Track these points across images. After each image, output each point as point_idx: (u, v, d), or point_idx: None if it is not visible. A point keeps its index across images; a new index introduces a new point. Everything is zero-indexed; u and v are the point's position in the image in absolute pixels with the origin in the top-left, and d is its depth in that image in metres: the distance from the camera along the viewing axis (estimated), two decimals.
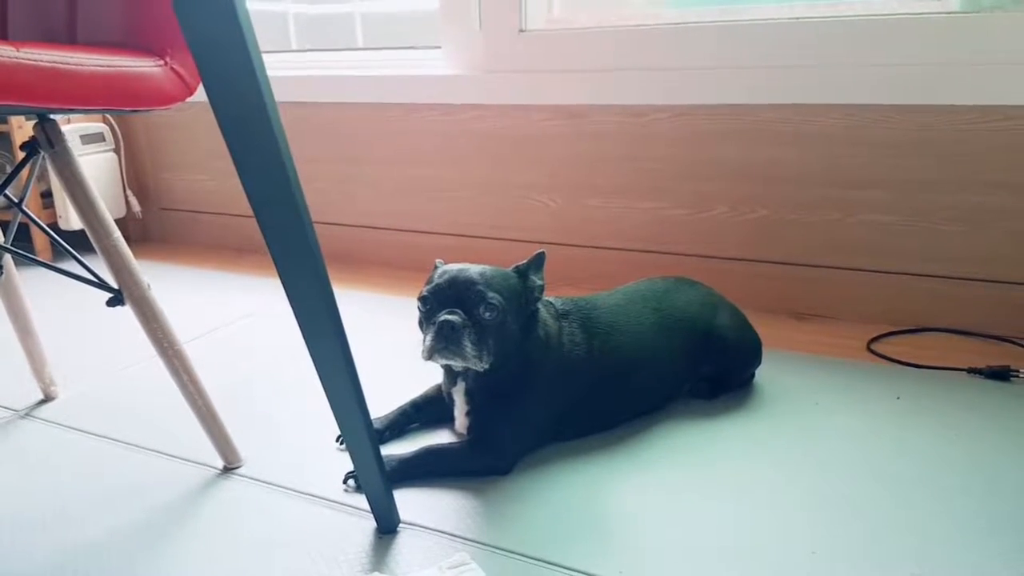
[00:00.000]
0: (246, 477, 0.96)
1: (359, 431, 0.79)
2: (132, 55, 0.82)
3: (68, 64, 0.75)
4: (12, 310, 1.12)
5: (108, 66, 0.78)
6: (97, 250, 0.89)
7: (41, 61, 0.72)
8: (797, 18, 1.35)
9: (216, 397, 0.97)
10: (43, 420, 1.12)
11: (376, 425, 1.02)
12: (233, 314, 1.52)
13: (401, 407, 1.05)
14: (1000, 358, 1.20)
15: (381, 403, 1.04)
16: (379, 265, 1.82)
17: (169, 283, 1.73)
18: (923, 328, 1.34)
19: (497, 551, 0.80)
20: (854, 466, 0.94)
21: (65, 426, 1.10)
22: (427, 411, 1.06)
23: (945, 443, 0.98)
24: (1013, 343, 1.27)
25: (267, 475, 0.96)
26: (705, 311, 1.10)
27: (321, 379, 0.75)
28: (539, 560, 0.78)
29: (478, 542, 0.82)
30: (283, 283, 0.71)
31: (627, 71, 1.46)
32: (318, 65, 1.85)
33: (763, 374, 1.17)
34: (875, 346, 1.29)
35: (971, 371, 1.17)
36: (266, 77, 0.63)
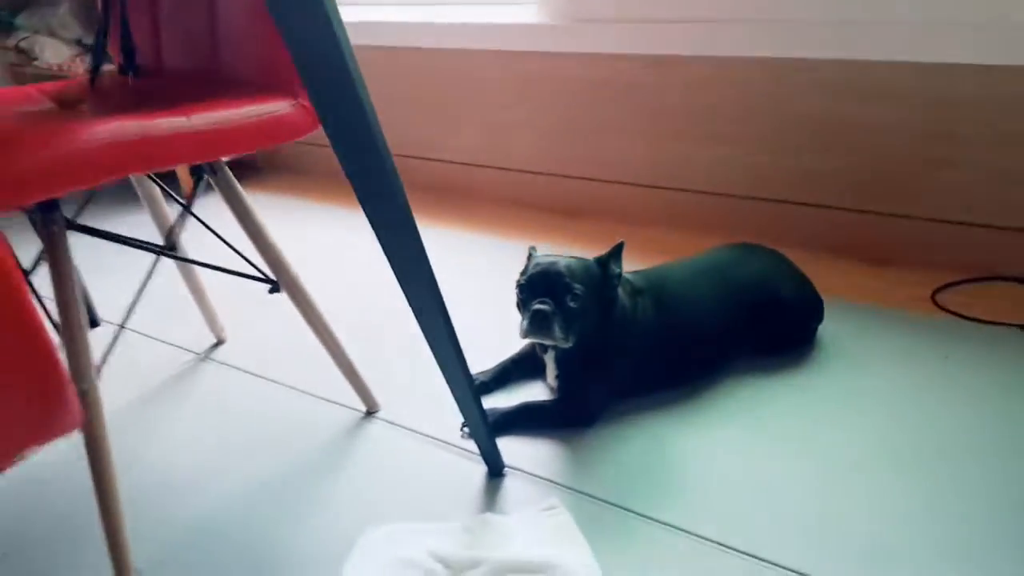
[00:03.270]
0: (384, 420, 1.20)
1: (464, 391, 0.99)
2: (270, 99, 0.99)
3: (228, 122, 0.93)
4: (186, 276, 1.38)
5: (255, 115, 0.96)
6: (255, 247, 1.10)
7: (208, 125, 0.91)
8: None
9: (355, 346, 1.19)
10: (218, 362, 1.39)
11: (483, 378, 1.24)
12: (361, 255, 1.75)
13: (502, 363, 1.26)
14: None
15: (484, 340, 1.26)
16: (472, 197, 1.99)
17: (299, 217, 1.97)
18: (990, 277, 1.42)
19: (582, 495, 1.02)
20: (899, 428, 1.09)
21: (236, 367, 1.37)
22: (524, 365, 1.26)
23: (986, 408, 1.11)
24: None
25: (400, 419, 1.19)
26: (766, 280, 1.24)
27: (431, 348, 0.94)
28: (616, 505, 0.99)
29: (567, 486, 1.03)
30: (393, 270, 0.87)
31: (719, 22, 1.52)
32: (422, 12, 1.96)
33: (825, 328, 1.30)
34: (940, 296, 1.39)
35: (1022, 328, 1.26)
36: (356, 64, 0.75)
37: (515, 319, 1.14)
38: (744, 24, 1.49)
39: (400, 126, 2.05)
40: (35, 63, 2.42)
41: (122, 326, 0.98)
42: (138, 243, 1.03)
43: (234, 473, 1.11)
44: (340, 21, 0.74)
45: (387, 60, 1.97)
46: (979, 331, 1.28)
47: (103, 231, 0.97)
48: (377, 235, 0.86)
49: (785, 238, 1.59)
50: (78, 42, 2.38)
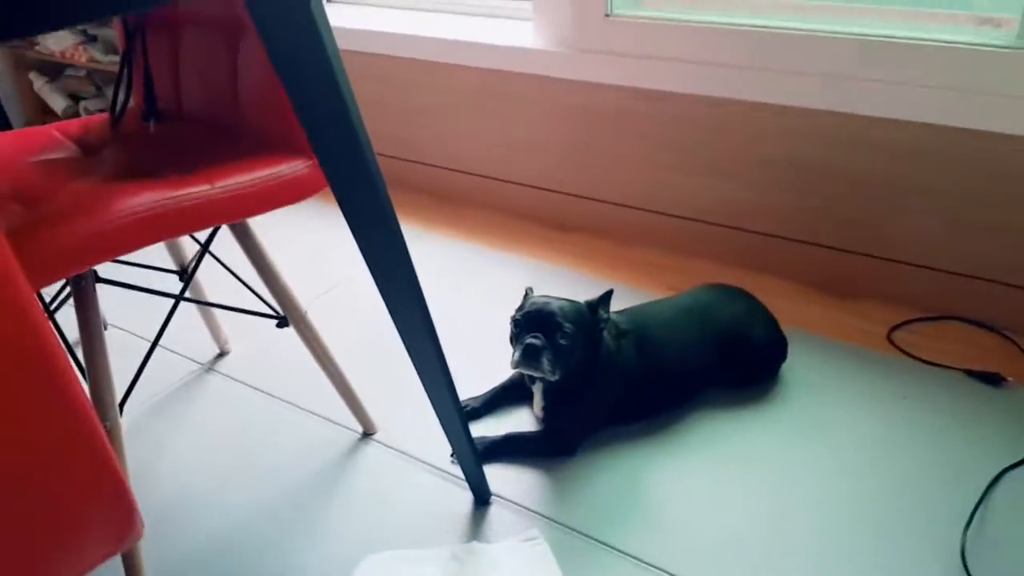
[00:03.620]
0: (380, 443, 1.30)
1: (454, 421, 1.08)
2: (286, 159, 1.06)
3: (249, 186, 1.00)
4: (193, 290, 1.46)
5: (274, 177, 1.03)
6: (266, 287, 1.18)
7: (230, 191, 0.98)
8: (866, 36, 1.45)
9: (353, 364, 1.27)
10: (222, 374, 1.48)
11: (473, 404, 1.34)
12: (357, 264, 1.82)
13: (492, 390, 1.36)
14: (1001, 359, 1.40)
15: (474, 358, 1.36)
16: (463, 204, 2.07)
17: (302, 220, 2.04)
18: (944, 316, 1.53)
19: (560, 526, 1.12)
20: (850, 466, 1.20)
21: (240, 382, 1.45)
22: (513, 392, 1.36)
23: (929, 449, 1.23)
24: (1016, 344, 1.45)
25: (396, 442, 1.29)
26: (739, 324, 1.34)
27: (419, 375, 1.03)
28: (590, 537, 1.10)
29: (547, 516, 1.14)
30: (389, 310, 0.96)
31: (704, 65, 1.60)
32: (424, 25, 2.01)
33: (789, 363, 1.41)
34: (896, 333, 1.50)
35: (968, 372, 1.38)
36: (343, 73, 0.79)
37: (501, 333, 1.25)
38: (734, 69, 1.57)
39: (395, 129, 2.11)
40: (37, 48, 2.44)
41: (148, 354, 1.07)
42: (161, 293, 1.11)
43: (238, 492, 1.21)
44: (352, 98, 0.81)
45: (385, 66, 2.02)
46: (929, 372, 1.40)
47: (130, 284, 1.04)
48: (373, 274, 0.93)
49: (758, 266, 1.71)
50: (83, 31, 2.40)
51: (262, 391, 1.43)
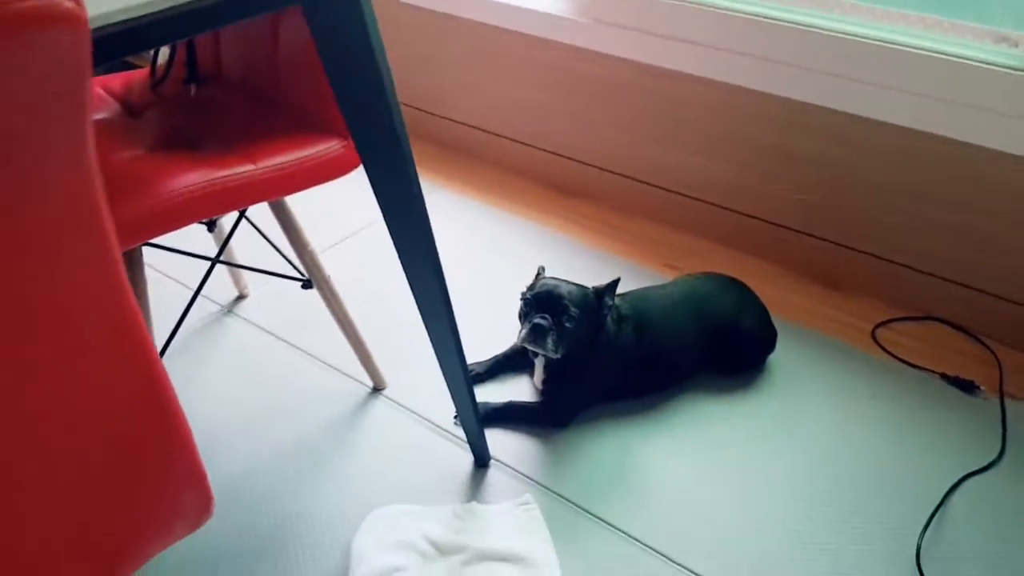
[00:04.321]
0: (389, 399, 1.39)
1: (461, 387, 1.17)
2: (323, 138, 1.11)
3: (289, 165, 1.06)
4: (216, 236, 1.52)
5: (312, 156, 1.09)
6: (295, 253, 1.25)
7: (272, 169, 1.04)
8: (878, 40, 1.49)
9: (367, 320, 1.35)
10: (241, 318, 1.56)
11: (478, 369, 1.43)
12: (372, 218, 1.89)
13: (496, 356, 1.45)
14: (977, 366, 1.49)
15: (474, 319, 1.44)
16: (478, 159, 2.12)
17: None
18: (928, 317, 1.62)
19: (552, 493, 1.23)
20: (820, 458, 1.30)
21: (257, 326, 1.53)
22: (516, 360, 1.45)
23: (897, 449, 1.33)
24: (993, 353, 1.54)
25: (403, 399, 1.38)
26: (737, 315, 1.42)
27: (432, 344, 1.12)
28: (578, 506, 1.21)
29: (540, 483, 1.24)
30: (414, 293, 1.05)
31: (714, 49, 1.63)
32: None
33: (777, 352, 1.49)
34: (880, 331, 1.59)
35: (943, 377, 1.47)
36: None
37: (506, 295, 1.37)
38: (742, 57, 1.60)
39: (418, 80, 2.14)
40: None
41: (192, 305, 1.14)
42: (200, 256, 1.17)
43: (255, 436, 1.31)
44: (394, 92, 0.86)
45: (413, 17, 2.03)
46: (907, 373, 1.49)
47: (172, 248, 1.11)
48: (398, 252, 1.00)
49: (753, 249, 1.78)
50: None
51: (277, 336, 1.51)
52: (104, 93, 1.19)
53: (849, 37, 1.51)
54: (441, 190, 1.98)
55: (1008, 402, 1.41)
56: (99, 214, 0.44)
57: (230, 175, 0.99)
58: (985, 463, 1.30)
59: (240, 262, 1.53)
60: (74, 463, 0.50)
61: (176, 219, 0.94)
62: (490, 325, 1.50)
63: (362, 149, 0.96)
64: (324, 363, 1.45)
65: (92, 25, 0.41)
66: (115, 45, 0.58)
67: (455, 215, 1.89)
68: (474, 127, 2.12)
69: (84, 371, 0.49)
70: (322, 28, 0.82)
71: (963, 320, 1.59)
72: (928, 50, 1.45)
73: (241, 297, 1.61)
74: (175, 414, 0.57)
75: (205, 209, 0.97)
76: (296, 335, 1.51)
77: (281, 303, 1.59)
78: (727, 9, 1.62)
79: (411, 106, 2.19)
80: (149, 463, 0.56)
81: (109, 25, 0.55)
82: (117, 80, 1.23)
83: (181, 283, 1.62)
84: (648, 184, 1.88)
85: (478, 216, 1.89)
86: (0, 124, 0.38)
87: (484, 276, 1.68)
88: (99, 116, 1.13)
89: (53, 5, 0.36)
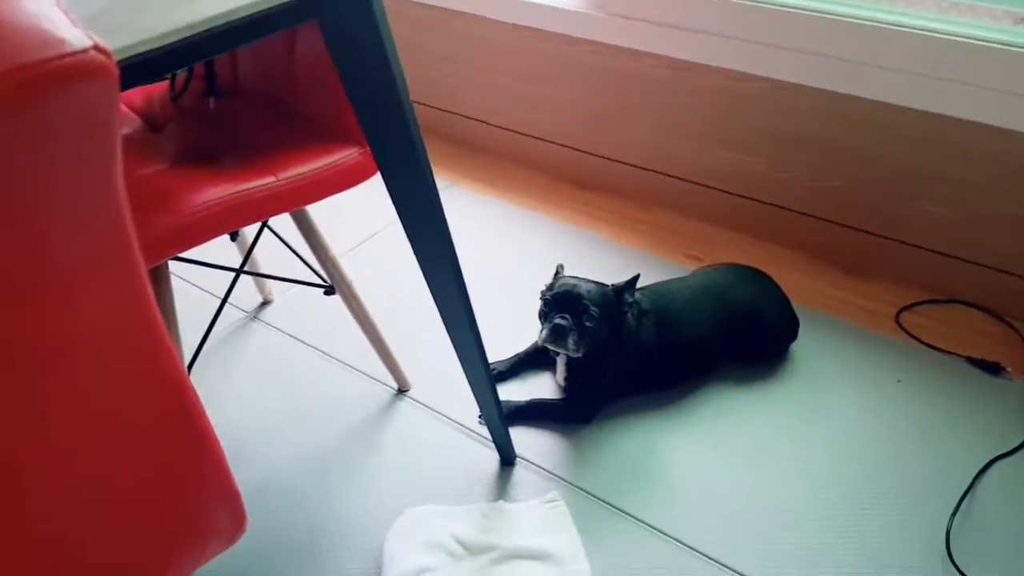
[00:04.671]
0: (413, 400, 1.41)
1: (484, 387, 1.18)
2: (340, 146, 1.12)
3: (309, 175, 1.08)
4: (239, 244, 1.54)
5: (331, 165, 1.10)
6: (317, 260, 1.27)
7: (292, 180, 1.06)
8: (901, 27, 1.48)
9: (389, 322, 1.37)
10: (267, 323, 1.58)
11: (500, 367, 1.44)
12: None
13: (517, 354, 1.46)
14: (1002, 347, 1.48)
15: (495, 316, 1.46)
16: (490, 155, 2.13)
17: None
18: (952, 300, 1.61)
19: (578, 490, 1.24)
20: (847, 446, 1.30)
21: (283, 331, 1.56)
22: (537, 357, 1.46)
23: (923, 434, 1.33)
24: (1018, 332, 1.53)
25: (428, 400, 1.40)
26: (758, 306, 1.42)
27: (453, 345, 1.13)
28: (605, 502, 1.22)
29: (566, 480, 1.26)
30: (426, 279, 1.06)
31: (729, 39, 1.62)
32: None
33: (800, 340, 1.49)
34: (904, 315, 1.58)
35: (969, 360, 1.46)
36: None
37: (525, 292, 1.39)
38: (759, 46, 1.59)
39: (433, 78, 2.15)
40: None
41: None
42: (225, 268, 1.19)
43: (284, 440, 1.33)
44: (410, 106, 0.87)
45: (427, 15, 2.04)
46: (932, 356, 1.48)
47: (197, 261, 1.13)
48: (417, 257, 1.02)
49: (774, 237, 1.77)
50: None
51: (303, 342, 1.53)
52: (126, 108, 1.21)
53: (867, 23, 1.49)
54: (457, 187, 1.99)
55: None
56: (130, 249, 0.46)
57: (252, 188, 1.01)
58: (1013, 446, 1.30)
59: (263, 269, 1.55)
60: (107, 491, 0.52)
61: (201, 233, 0.96)
62: (511, 322, 1.52)
63: (379, 157, 0.97)
64: (349, 366, 1.47)
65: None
66: (134, 76, 0.60)
67: (472, 212, 1.90)
68: (488, 123, 2.12)
69: (115, 401, 0.50)
70: (338, 42, 0.83)
71: (987, 301, 1.58)
72: (948, 33, 1.44)
73: (266, 303, 1.63)
74: (206, 436, 0.59)
75: (229, 222, 0.99)
76: (321, 339, 1.53)
77: (305, 308, 1.61)
78: None
79: (425, 104, 2.20)
80: (182, 487, 0.58)
81: (128, 57, 0.57)
82: (138, 95, 1.25)
83: (206, 291, 1.64)
84: (665, 175, 1.88)
85: (495, 212, 1.90)
86: (38, 170, 0.39)
87: (503, 273, 1.69)
88: (123, 132, 1.15)
89: (88, 60, 0.37)
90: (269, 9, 0.71)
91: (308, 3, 0.75)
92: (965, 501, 1.21)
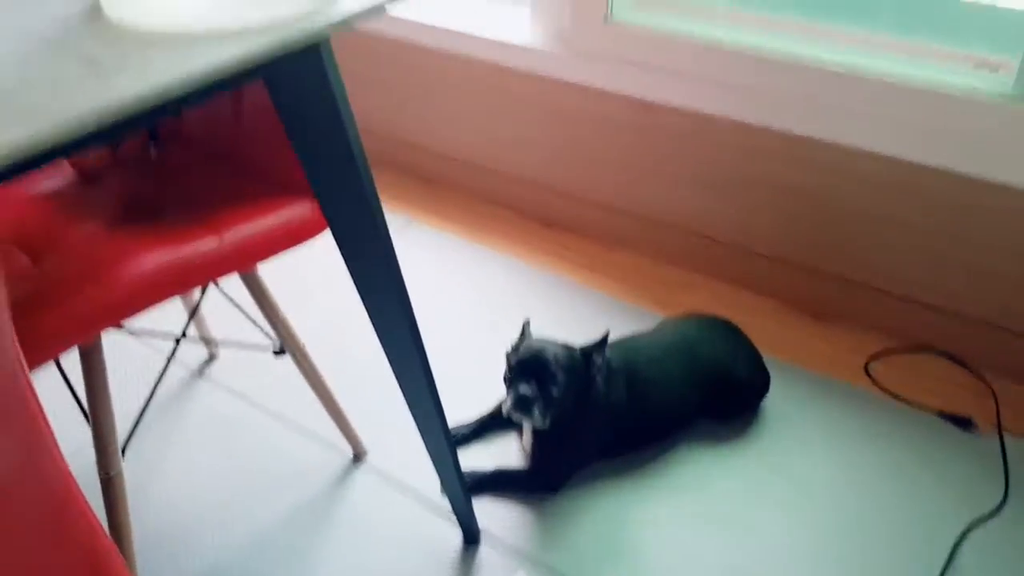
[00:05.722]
0: (370, 467, 1.32)
1: (445, 459, 1.10)
2: (289, 202, 1.04)
3: (256, 234, 1.00)
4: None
5: (279, 223, 1.03)
6: (267, 321, 1.18)
7: (238, 241, 0.98)
8: (852, 71, 1.46)
9: (342, 381, 1.28)
10: (212, 381, 1.48)
11: (463, 431, 1.36)
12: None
13: (481, 417, 1.39)
14: (973, 398, 1.46)
15: (455, 365, 1.38)
16: (452, 190, 2.07)
17: None
18: (923, 348, 1.58)
19: (545, 568, 1.17)
20: (820, 510, 1.26)
21: (229, 389, 1.46)
22: (502, 420, 1.38)
23: (897, 496, 1.29)
24: (989, 385, 1.51)
25: (386, 467, 1.31)
26: (729, 361, 1.38)
27: (413, 416, 1.06)
28: None
29: (532, 557, 1.18)
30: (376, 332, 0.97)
31: (697, 81, 1.60)
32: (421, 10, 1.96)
33: (771, 393, 1.44)
34: (873, 364, 1.55)
35: (940, 414, 1.44)
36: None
37: (489, 343, 1.37)
38: (725, 88, 1.57)
39: (395, 111, 2.09)
40: None
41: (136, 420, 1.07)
42: (164, 336, 1.10)
43: (229, 520, 1.23)
44: (361, 149, 0.80)
45: (392, 50, 1.98)
46: (902, 410, 1.45)
47: (137, 331, 1.03)
48: (368, 312, 0.94)
49: (741, 281, 1.74)
50: None
51: (251, 401, 1.43)
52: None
53: (830, 67, 1.48)
54: (419, 224, 1.92)
55: (1008, 439, 1.38)
56: (24, 397, 0.38)
57: (193, 252, 0.92)
58: (989, 508, 1.26)
59: (209, 323, 1.46)
60: None
61: (139, 305, 0.87)
62: (474, 374, 1.44)
63: (331, 217, 0.90)
64: (302, 428, 1.38)
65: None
66: (43, 160, 0.52)
67: (433, 251, 1.83)
68: (453, 158, 2.06)
69: (18, 553, 0.42)
70: (287, 104, 0.76)
71: (955, 350, 1.56)
72: (910, 77, 1.43)
73: (212, 358, 1.53)
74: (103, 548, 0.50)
75: (169, 291, 0.91)
76: (271, 399, 1.44)
77: (254, 363, 1.51)
78: (706, 40, 1.59)
79: (388, 137, 2.13)
80: None
81: (38, 144, 0.48)
82: None
83: (148, 345, 1.54)
84: (631, 215, 1.84)
85: (458, 252, 1.84)
86: None
87: (466, 322, 1.62)
88: (53, 185, 1.06)
89: None
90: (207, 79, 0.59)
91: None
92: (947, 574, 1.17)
